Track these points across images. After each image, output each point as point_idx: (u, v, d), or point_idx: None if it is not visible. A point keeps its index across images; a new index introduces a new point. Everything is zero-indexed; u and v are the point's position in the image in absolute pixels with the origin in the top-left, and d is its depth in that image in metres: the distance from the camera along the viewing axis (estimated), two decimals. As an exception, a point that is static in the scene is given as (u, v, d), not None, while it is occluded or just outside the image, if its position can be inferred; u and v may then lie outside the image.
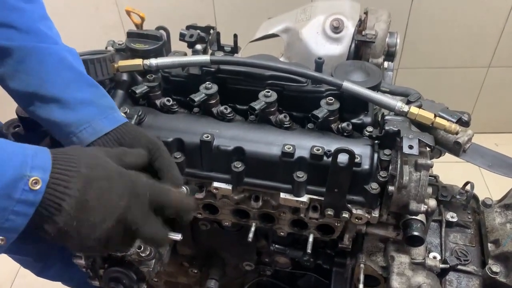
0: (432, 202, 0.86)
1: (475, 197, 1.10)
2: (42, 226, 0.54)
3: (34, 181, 0.52)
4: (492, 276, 0.91)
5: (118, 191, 0.59)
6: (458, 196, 1.07)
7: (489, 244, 0.98)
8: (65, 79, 0.77)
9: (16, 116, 0.96)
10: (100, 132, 0.76)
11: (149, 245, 0.66)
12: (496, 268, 0.92)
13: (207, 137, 0.86)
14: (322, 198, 0.87)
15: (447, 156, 0.98)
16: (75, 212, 0.55)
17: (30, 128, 0.95)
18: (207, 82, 0.92)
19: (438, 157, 0.97)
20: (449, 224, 1.03)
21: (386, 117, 0.87)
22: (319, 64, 0.93)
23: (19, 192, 0.51)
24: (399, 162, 0.82)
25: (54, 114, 0.76)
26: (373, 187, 0.83)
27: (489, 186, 1.94)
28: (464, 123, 0.88)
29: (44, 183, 0.52)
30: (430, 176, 1.00)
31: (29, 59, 0.76)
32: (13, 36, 0.76)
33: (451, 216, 1.03)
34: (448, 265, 0.91)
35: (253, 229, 0.97)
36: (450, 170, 1.28)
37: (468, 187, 1.06)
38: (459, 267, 0.95)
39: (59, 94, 0.75)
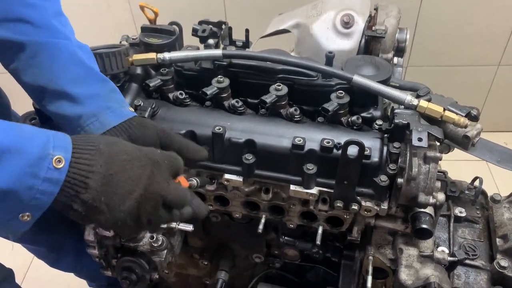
0: (441, 196, 0.86)
1: (484, 193, 1.10)
2: (71, 206, 0.56)
3: (57, 159, 0.54)
4: (500, 270, 0.92)
5: (140, 163, 0.62)
6: (466, 192, 1.07)
7: (497, 239, 0.99)
8: (74, 74, 0.79)
9: (33, 109, 0.98)
10: (107, 126, 0.77)
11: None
12: (504, 262, 0.92)
13: (219, 129, 0.87)
14: (332, 191, 0.88)
15: (456, 154, 0.98)
16: (101, 187, 0.57)
17: (46, 121, 0.97)
18: (219, 76, 0.93)
19: (447, 153, 0.97)
20: (458, 219, 1.03)
21: (396, 111, 0.87)
22: (329, 58, 0.94)
23: (44, 171, 0.53)
24: (408, 154, 0.83)
25: (63, 108, 0.78)
26: (382, 179, 0.83)
27: (497, 183, 1.94)
28: (473, 118, 0.88)
29: (67, 162, 0.55)
30: (438, 171, 1.00)
31: (41, 54, 0.78)
32: (27, 31, 0.77)
33: (459, 211, 1.03)
34: (456, 259, 0.91)
35: (263, 221, 0.98)
36: (458, 168, 1.28)
37: (476, 183, 1.06)
38: (467, 261, 0.95)
39: (68, 88, 0.77)
